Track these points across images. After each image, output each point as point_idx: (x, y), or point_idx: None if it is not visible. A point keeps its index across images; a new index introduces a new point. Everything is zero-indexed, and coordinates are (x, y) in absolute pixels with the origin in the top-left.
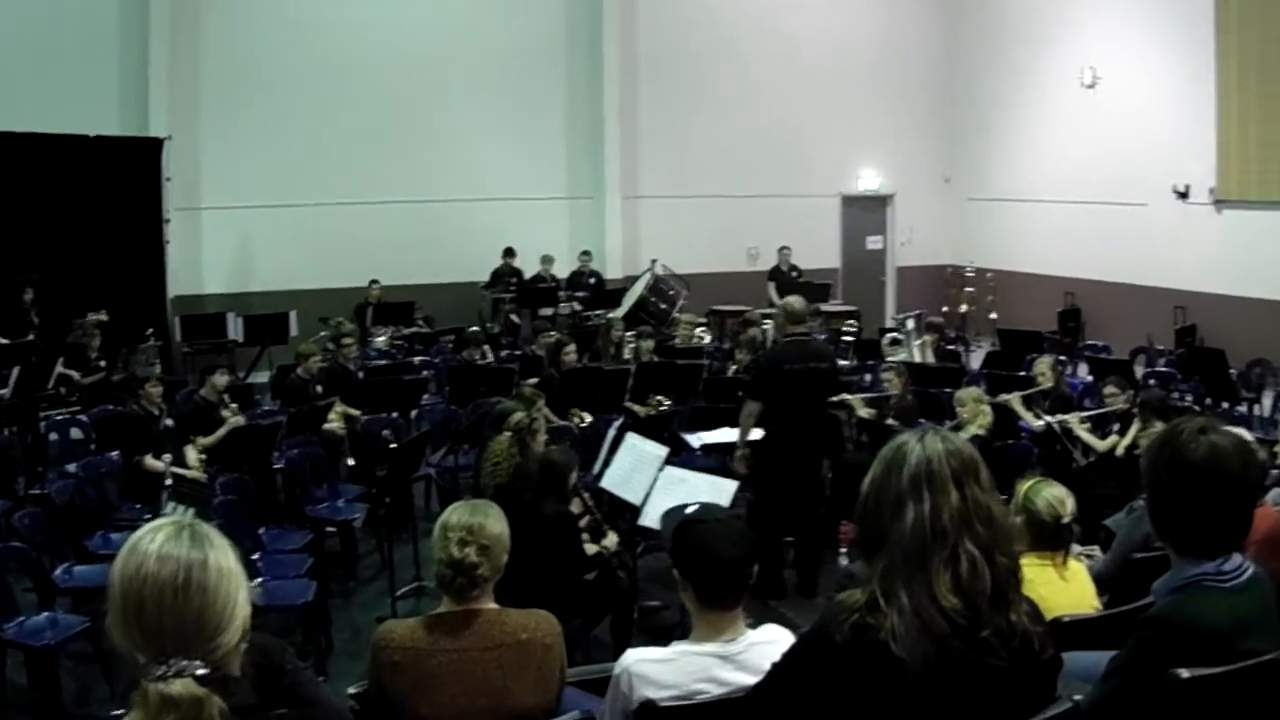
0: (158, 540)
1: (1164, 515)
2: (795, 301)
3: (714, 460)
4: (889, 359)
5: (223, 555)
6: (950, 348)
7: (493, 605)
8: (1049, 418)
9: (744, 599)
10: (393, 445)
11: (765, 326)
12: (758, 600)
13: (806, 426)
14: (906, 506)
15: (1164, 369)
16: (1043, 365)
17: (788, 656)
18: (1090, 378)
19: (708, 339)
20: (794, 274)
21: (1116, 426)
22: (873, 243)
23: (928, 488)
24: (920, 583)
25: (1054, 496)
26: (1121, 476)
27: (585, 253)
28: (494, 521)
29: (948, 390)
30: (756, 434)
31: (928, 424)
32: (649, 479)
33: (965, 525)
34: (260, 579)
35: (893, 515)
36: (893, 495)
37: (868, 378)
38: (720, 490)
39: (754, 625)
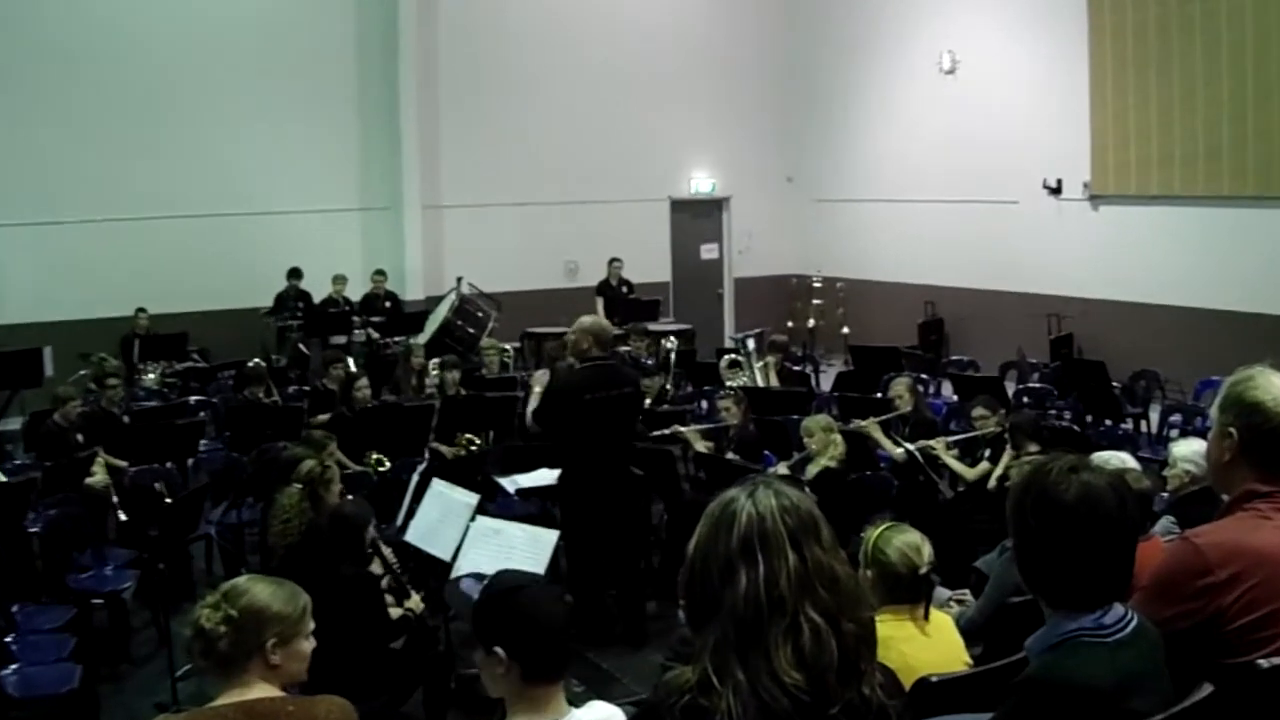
0: None
1: (1034, 566)
2: (604, 322)
3: (533, 506)
4: (727, 383)
5: None
6: (796, 369)
7: (273, 693)
8: (910, 445)
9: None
10: (167, 500)
11: None
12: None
13: (615, 461)
14: (738, 572)
15: (1038, 385)
16: (899, 387)
17: None
18: (955, 398)
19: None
20: (624, 289)
21: (987, 453)
22: (707, 251)
23: (761, 550)
24: (757, 657)
25: (907, 544)
26: (994, 509)
27: (379, 272)
28: (264, 594)
29: (794, 417)
30: (552, 475)
31: (771, 458)
32: (459, 531)
33: (806, 590)
34: (15, 665)
35: (723, 582)
36: (722, 559)
37: (703, 405)
38: (540, 542)
39: (582, 684)
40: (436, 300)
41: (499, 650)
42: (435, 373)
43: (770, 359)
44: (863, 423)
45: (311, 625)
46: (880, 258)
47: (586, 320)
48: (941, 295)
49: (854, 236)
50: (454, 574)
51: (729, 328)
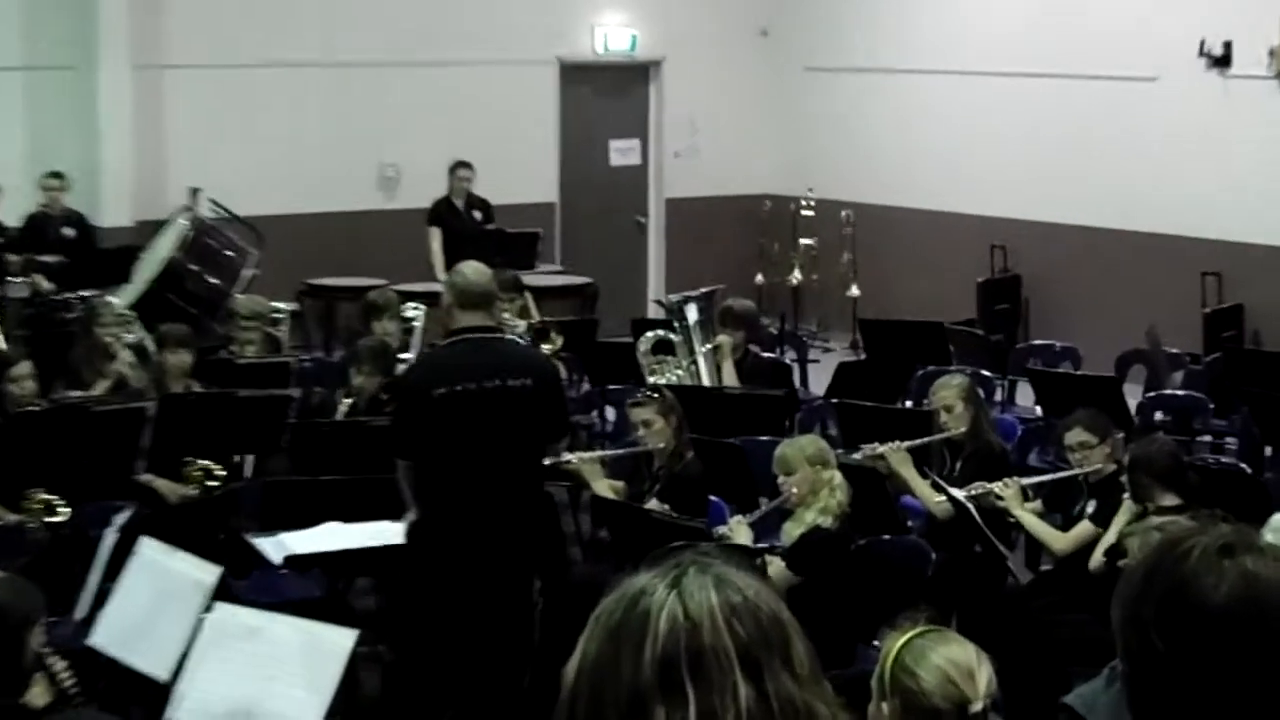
0: None
1: (1157, 707)
2: (471, 272)
3: (314, 585)
4: (651, 379)
5: None
6: (769, 356)
7: None
8: (959, 491)
9: None
10: None
11: (411, 316)
12: None
13: (490, 503)
14: (653, 716)
15: (1181, 393)
16: (948, 391)
17: None
18: (1038, 411)
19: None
20: (476, 215)
21: (1091, 506)
22: (621, 153)
23: (692, 680)
24: None
25: (952, 662)
26: (1098, 603)
27: (54, 175)
28: None
29: (764, 439)
30: (348, 534)
31: (722, 508)
32: (184, 628)
33: None
34: None
35: None
36: (625, 695)
37: (609, 416)
38: (322, 650)
39: None
40: (155, 227)
41: None
42: (125, 343)
43: (725, 338)
44: (882, 449)
45: None
46: (915, 170)
47: (455, 270)
48: (1019, 234)
49: (872, 133)
50: (176, 703)
51: (655, 284)
